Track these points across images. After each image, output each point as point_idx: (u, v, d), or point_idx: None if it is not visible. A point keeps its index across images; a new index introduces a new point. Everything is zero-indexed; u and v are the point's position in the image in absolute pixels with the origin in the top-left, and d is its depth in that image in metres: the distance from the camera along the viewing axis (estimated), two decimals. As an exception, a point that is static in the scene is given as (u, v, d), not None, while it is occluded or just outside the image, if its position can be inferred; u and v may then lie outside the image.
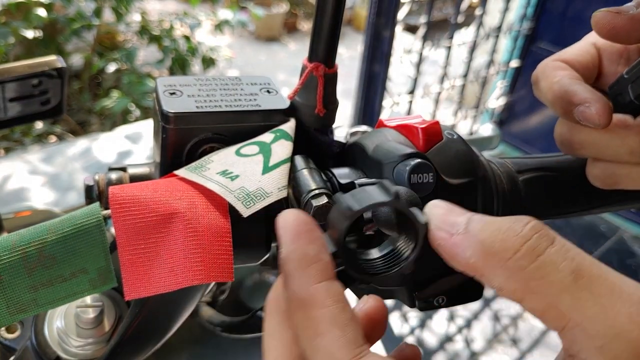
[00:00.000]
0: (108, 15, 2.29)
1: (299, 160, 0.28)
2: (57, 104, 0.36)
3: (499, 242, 0.18)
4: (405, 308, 1.53)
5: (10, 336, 0.34)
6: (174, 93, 0.30)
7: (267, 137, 0.30)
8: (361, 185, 0.24)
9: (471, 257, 0.18)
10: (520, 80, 2.06)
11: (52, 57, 0.36)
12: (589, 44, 0.33)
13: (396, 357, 0.23)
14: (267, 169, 0.28)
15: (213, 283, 0.41)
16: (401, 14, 1.50)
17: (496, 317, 1.59)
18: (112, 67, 2.24)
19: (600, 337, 0.16)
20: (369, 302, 0.22)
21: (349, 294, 0.22)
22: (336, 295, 0.18)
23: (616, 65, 0.32)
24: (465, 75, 1.86)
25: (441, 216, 0.20)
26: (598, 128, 0.27)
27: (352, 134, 0.33)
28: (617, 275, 0.17)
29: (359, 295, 0.25)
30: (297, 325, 0.18)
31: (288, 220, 0.19)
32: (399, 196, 0.20)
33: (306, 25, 4.10)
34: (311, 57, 0.30)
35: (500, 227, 0.18)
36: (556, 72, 0.30)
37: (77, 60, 2.36)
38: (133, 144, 1.65)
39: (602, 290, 0.17)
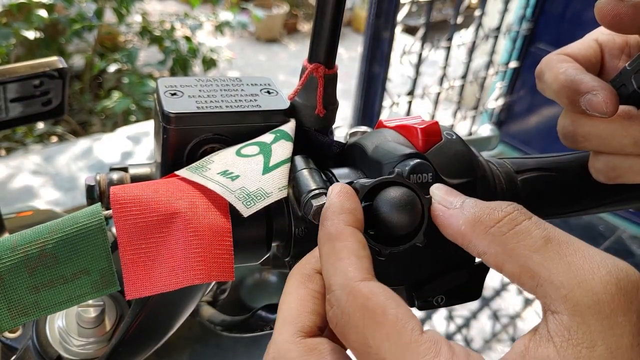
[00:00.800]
0: (109, 16, 2.29)
1: (299, 161, 0.29)
2: (59, 104, 0.36)
3: (485, 215, 0.21)
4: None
5: (11, 335, 0.34)
6: (174, 94, 0.30)
7: (267, 137, 0.30)
8: (361, 184, 0.24)
9: (462, 225, 0.22)
10: (519, 81, 2.06)
11: (53, 58, 0.36)
12: (591, 40, 0.33)
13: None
14: (267, 169, 0.28)
15: (213, 282, 0.41)
16: (401, 15, 1.50)
17: (495, 317, 1.59)
18: (113, 68, 2.25)
19: (565, 287, 0.18)
20: None
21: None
22: (359, 238, 0.22)
23: (617, 60, 0.33)
24: (464, 76, 1.86)
25: (442, 194, 0.24)
26: (605, 117, 0.28)
27: (352, 135, 0.33)
28: (583, 243, 0.20)
29: None
30: (322, 254, 0.22)
31: (336, 185, 0.24)
32: (402, 174, 0.25)
33: (306, 26, 4.11)
34: (311, 58, 0.30)
35: (488, 205, 0.22)
36: (561, 64, 0.30)
37: (78, 61, 2.36)
38: (134, 144, 1.65)
39: (568, 251, 0.19)
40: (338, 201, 0.23)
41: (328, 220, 0.22)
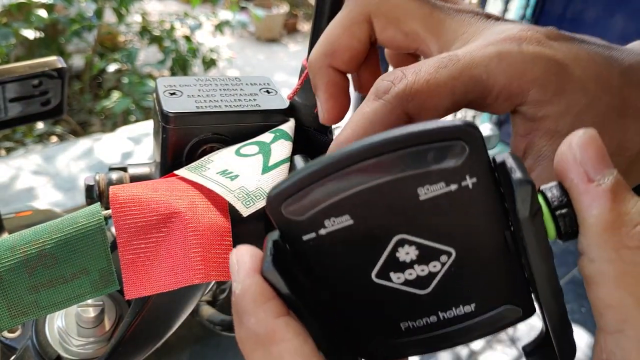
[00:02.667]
0: (109, 16, 2.29)
1: (298, 160, 0.29)
2: (58, 104, 0.36)
3: (631, 226, 0.15)
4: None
5: (11, 335, 0.34)
6: (174, 93, 0.30)
7: (266, 137, 0.30)
8: None
9: (595, 216, 0.16)
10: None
11: (52, 58, 0.36)
12: (358, 20, 0.27)
13: None
14: (266, 169, 0.28)
15: (213, 282, 0.41)
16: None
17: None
18: (112, 68, 2.25)
19: None
20: None
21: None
22: (297, 329, 0.16)
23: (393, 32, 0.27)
24: (465, 76, 1.86)
25: (593, 157, 0.16)
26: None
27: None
28: None
29: None
30: None
31: (243, 256, 0.18)
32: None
33: (306, 26, 4.10)
34: (310, 57, 0.30)
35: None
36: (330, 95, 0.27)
37: (78, 60, 2.36)
38: (134, 144, 1.65)
39: None
40: (255, 284, 0.17)
41: (249, 316, 0.17)
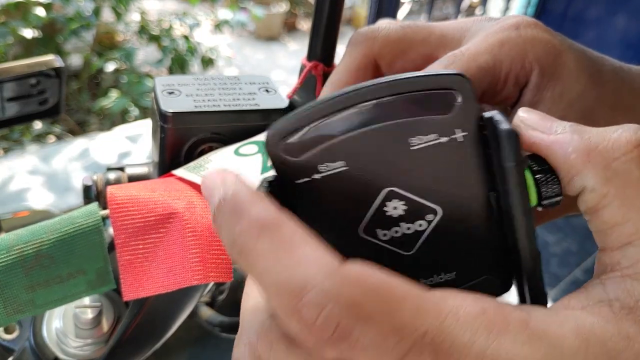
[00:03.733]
0: (107, 15, 2.28)
1: None
2: (55, 103, 0.36)
3: (607, 143, 0.17)
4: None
5: (8, 337, 0.34)
6: (172, 92, 0.30)
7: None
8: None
9: (572, 152, 0.17)
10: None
11: (50, 57, 0.35)
12: (364, 65, 0.27)
13: None
14: (266, 169, 0.27)
15: (212, 283, 0.41)
16: (401, 13, 1.50)
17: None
18: (111, 67, 2.24)
19: None
20: None
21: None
22: (300, 224, 0.15)
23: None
24: (464, 75, 1.86)
25: (537, 119, 0.19)
26: None
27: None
28: None
29: None
30: (255, 254, 0.14)
31: (225, 171, 0.16)
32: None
33: (306, 25, 4.10)
34: (310, 56, 0.30)
35: (609, 129, 0.17)
36: None
37: (76, 60, 2.35)
38: (132, 143, 1.65)
39: None
40: (246, 186, 0.16)
41: (251, 207, 0.15)
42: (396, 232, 0.18)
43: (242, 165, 0.28)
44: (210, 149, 0.30)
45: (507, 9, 1.83)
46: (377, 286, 0.14)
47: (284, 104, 0.31)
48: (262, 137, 0.30)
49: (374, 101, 0.16)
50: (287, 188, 0.17)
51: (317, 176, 0.17)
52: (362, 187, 0.17)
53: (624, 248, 0.16)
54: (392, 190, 0.17)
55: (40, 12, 1.96)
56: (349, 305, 0.14)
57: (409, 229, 0.17)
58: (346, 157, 0.17)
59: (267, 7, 3.71)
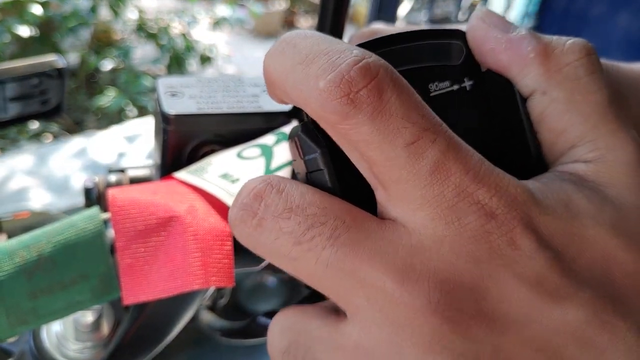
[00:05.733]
0: (104, 13, 2.28)
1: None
2: (57, 104, 0.36)
3: (562, 50, 0.18)
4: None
5: (8, 340, 0.33)
6: (175, 94, 0.30)
7: (269, 139, 0.29)
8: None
9: (531, 52, 0.18)
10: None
11: (52, 57, 0.35)
12: None
13: None
14: (269, 172, 0.27)
15: (213, 287, 0.41)
16: (402, 11, 1.50)
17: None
18: (108, 65, 2.23)
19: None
20: None
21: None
22: None
23: None
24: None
25: (497, 19, 0.19)
26: None
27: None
28: None
29: None
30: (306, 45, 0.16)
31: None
32: None
33: (305, 22, 4.10)
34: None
35: (562, 37, 0.18)
36: None
37: (73, 58, 2.35)
38: (130, 142, 1.64)
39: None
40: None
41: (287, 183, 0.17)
42: None
43: (245, 169, 0.27)
44: (213, 152, 0.30)
45: (508, 7, 1.83)
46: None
47: (288, 106, 0.31)
48: (265, 139, 0.29)
49: (396, 46, 0.18)
50: (319, 131, 0.17)
51: None
52: None
53: (568, 152, 0.17)
54: None
55: (37, 10, 1.95)
56: (388, 68, 0.15)
57: None
58: None
59: (265, 5, 3.70)
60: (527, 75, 0.18)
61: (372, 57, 0.15)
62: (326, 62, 0.15)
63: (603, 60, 0.24)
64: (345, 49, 0.15)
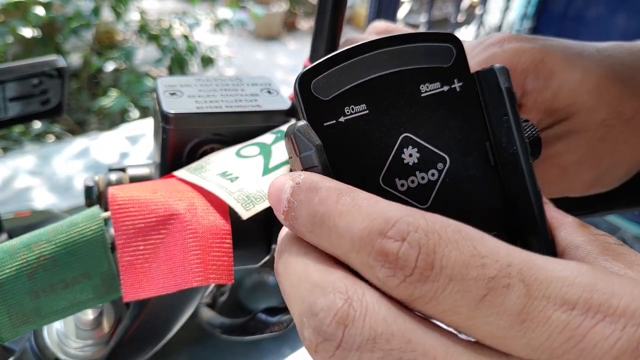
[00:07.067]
0: (107, 14, 2.28)
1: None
2: (58, 104, 0.36)
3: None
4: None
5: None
6: (174, 93, 0.30)
7: (267, 138, 0.29)
8: None
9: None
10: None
11: (52, 57, 0.35)
12: None
13: None
14: (267, 171, 0.27)
15: (213, 284, 0.41)
16: (401, 12, 1.50)
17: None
18: (110, 66, 2.24)
19: None
20: None
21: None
22: None
23: None
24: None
25: None
26: None
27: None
28: None
29: None
30: (339, 206, 0.16)
31: (281, 176, 0.18)
32: None
33: (306, 24, 4.10)
34: (313, 57, 0.30)
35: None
36: None
37: (75, 59, 2.35)
38: (132, 143, 1.65)
39: None
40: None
41: (326, 180, 0.17)
42: (412, 181, 0.19)
43: (244, 167, 0.28)
44: (212, 150, 0.30)
45: (507, 8, 1.83)
46: (454, 223, 0.15)
47: (286, 105, 0.31)
48: (264, 138, 0.30)
49: (389, 48, 0.19)
50: (315, 129, 0.18)
51: (342, 119, 0.18)
52: (382, 133, 0.18)
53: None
54: (407, 136, 0.19)
55: (40, 11, 1.96)
56: (431, 231, 0.14)
57: (423, 178, 0.19)
58: (367, 100, 0.18)
59: (266, 7, 3.71)
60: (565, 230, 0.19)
61: (413, 231, 0.15)
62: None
63: (626, 43, 0.25)
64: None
